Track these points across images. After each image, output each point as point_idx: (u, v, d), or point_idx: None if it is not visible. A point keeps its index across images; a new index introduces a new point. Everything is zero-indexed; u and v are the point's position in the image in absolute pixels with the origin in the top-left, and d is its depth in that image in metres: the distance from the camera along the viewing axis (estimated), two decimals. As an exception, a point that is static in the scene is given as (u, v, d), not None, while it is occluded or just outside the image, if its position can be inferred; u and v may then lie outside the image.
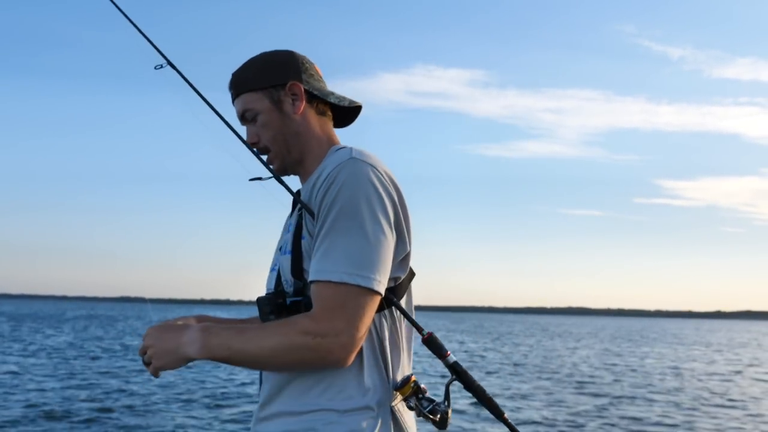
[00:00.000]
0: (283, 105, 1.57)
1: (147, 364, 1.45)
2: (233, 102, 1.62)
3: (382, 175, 1.44)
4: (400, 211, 1.45)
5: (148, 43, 1.70)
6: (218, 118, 1.62)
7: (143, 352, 1.46)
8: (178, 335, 1.42)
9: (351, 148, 1.49)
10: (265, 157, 1.60)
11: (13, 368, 17.13)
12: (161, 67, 1.67)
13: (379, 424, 1.43)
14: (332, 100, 1.61)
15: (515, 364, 22.26)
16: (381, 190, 1.42)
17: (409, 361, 1.56)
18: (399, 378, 1.50)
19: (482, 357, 25.45)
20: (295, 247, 1.48)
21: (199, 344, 1.39)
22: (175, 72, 1.66)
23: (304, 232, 1.47)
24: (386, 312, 1.49)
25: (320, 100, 1.61)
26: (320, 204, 1.42)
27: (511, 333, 54.44)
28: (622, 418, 11.69)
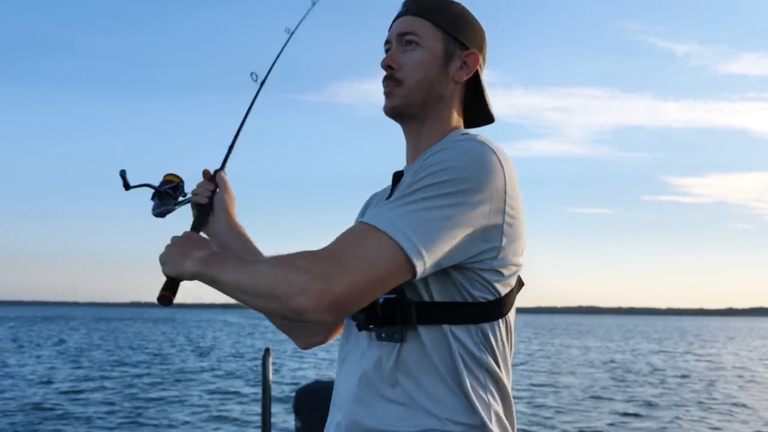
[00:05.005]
0: (451, 61, 1.40)
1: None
2: (398, 17, 1.43)
3: (505, 163, 1.26)
4: (514, 209, 1.26)
5: None
6: None
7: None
8: (196, 245, 1.37)
9: (479, 135, 1.32)
10: (385, 85, 1.41)
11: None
12: None
13: None
14: (486, 97, 1.46)
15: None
16: (495, 175, 1.23)
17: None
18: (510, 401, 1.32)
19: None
20: None
21: (200, 260, 1.31)
22: None
23: None
24: (501, 322, 1.30)
25: (476, 88, 1.45)
26: (418, 165, 1.27)
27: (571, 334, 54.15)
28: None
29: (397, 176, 1.43)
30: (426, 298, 1.25)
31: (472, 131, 1.42)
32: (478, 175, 1.21)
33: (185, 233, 1.46)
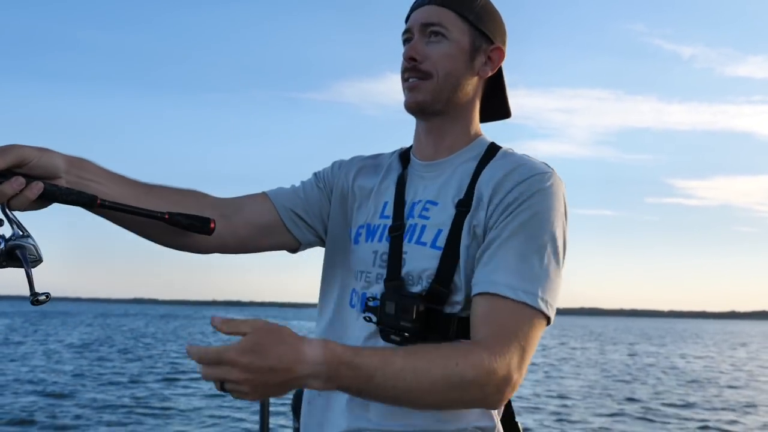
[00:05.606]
0: (477, 55, 1.33)
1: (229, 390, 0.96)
2: (420, 5, 1.34)
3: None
4: None
5: None
6: None
7: (223, 378, 0.95)
8: (293, 355, 0.98)
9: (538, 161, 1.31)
10: (409, 79, 1.32)
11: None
12: None
13: None
14: (506, 93, 1.42)
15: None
16: (567, 217, 1.28)
17: None
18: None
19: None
20: (451, 246, 1.23)
21: (326, 374, 1.00)
22: None
23: (465, 231, 1.23)
24: None
25: (496, 83, 1.40)
26: (509, 202, 1.22)
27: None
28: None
29: (405, 159, 1.42)
30: (463, 314, 1.23)
31: (484, 126, 1.42)
32: (566, 220, 1.27)
33: (256, 336, 0.96)
